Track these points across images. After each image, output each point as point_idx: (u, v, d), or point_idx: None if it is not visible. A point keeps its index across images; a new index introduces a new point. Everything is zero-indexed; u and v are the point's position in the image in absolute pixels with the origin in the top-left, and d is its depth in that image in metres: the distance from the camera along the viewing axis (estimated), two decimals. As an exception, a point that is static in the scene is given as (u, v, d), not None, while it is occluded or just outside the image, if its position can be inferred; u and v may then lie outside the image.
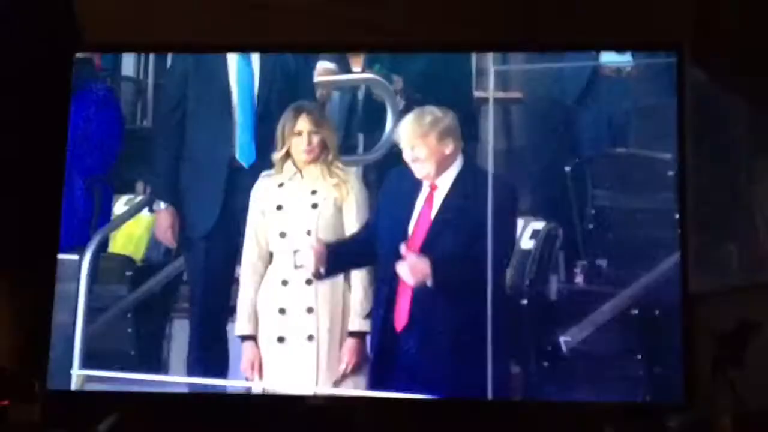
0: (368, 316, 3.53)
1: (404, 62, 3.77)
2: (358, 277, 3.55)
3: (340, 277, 3.56)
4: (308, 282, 3.56)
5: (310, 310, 3.55)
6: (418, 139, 3.51)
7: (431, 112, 3.53)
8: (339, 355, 3.53)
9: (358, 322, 3.53)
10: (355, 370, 3.53)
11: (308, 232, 3.56)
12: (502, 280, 3.50)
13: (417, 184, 3.54)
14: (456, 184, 3.52)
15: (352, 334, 3.53)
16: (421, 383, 3.45)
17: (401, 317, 3.48)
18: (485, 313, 3.45)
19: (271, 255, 3.61)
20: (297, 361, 3.55)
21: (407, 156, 3.52)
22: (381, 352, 3.48)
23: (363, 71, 3.83)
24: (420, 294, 3.46)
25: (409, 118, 3.54)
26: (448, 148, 3.51)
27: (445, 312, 3.46)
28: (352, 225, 3.58)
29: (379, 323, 3.49)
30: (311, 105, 3.65)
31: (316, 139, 3.60)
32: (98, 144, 3.78)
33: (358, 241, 3.58)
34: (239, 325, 3.60)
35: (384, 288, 3.50)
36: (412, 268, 3.44)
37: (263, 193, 3.62)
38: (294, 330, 3.55)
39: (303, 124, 3.60)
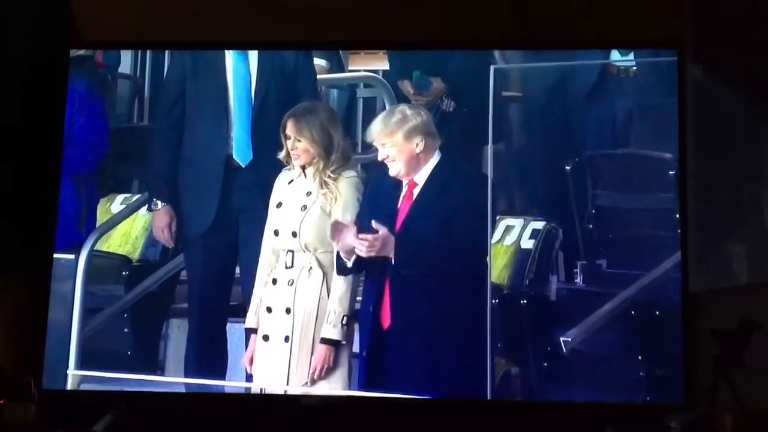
0: (342, 324, 3.50)
1: (443, 64, 3.75)
2: (337, 283, 3.52)
3: (320, 280, 3.54)
4: (290, 283, 3.55)
5: (288, 310, 3.55)
6: (386, 138, 3.50)
7: (401, 111, 3.53)
8: (308, 359, 3.51)
9: (329, 330, 3.51)
10: (324, 376, 3.51)
11: (293, 234, 3.55)
12: (480, 274, 3.49)
13: (399, 183, 3.52)
14: (430, 180, 3.50)
15: (324, 341, 3.51)
16: (409, 381, 3.45)
17: (387, 316, 3.47)
18: (468, 309, 3.47)
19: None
20: (275, 361, 3.54)
21: (380, 155, 3.51)
22: (370, 350, 3.48)
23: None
24: (402, 291, 3.46)
25: (378, 118, 3.53)
26: (418, 147, 3.49)
27: (425, 309, 3.46)
28: None
29: (368, 323, 3.48)
30: (301, 111, 3.59)
31: (299, 146, 3.57)
32: (83, 142, 3.76)
33: None
34: (248, 317, 3.60)
35: (372, 288, 3.49)
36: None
37: (278, 187, 3.61)
38: (276, 329, 3.55)
39: (290, 129, 3.58)
